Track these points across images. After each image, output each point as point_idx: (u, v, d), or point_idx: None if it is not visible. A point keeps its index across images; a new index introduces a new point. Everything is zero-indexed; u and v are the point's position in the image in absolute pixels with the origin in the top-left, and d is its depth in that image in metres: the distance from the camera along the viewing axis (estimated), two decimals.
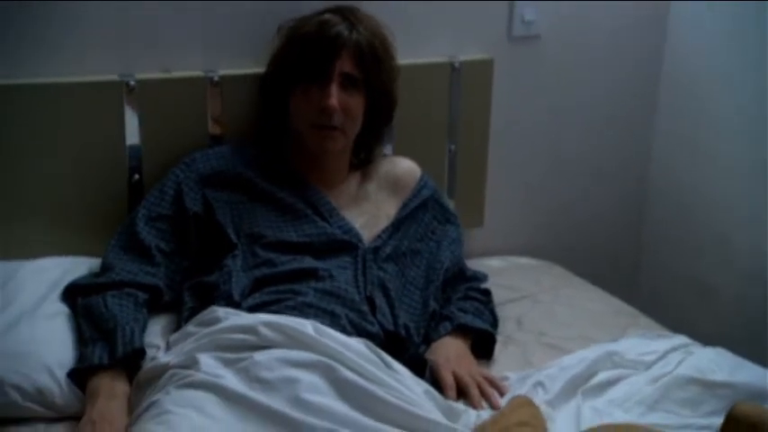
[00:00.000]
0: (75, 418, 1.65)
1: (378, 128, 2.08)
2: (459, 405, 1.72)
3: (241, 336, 1.63)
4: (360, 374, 1.56)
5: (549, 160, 2.59)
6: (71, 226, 2.04)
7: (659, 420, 1.68)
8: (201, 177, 1.96)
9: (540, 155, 2.57)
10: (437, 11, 2.30)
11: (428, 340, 1.94)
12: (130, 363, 1.70)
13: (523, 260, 2.50)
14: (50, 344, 1.74)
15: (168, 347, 1.73)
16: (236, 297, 1.79)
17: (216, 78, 2.08)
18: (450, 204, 2.25)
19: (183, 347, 1.65)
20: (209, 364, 1.57)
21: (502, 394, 1.77)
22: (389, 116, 2.09)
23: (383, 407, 1.52)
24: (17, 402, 1.66)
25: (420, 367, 1.77)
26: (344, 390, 1.54)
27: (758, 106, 2.36)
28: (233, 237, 1.90)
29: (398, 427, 1.49)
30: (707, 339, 1.98)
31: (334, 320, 1.75)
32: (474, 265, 2.22)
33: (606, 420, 1.65)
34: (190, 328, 1.73)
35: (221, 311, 1.72)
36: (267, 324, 1.64)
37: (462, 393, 1.78)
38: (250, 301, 1.78)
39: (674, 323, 2.15)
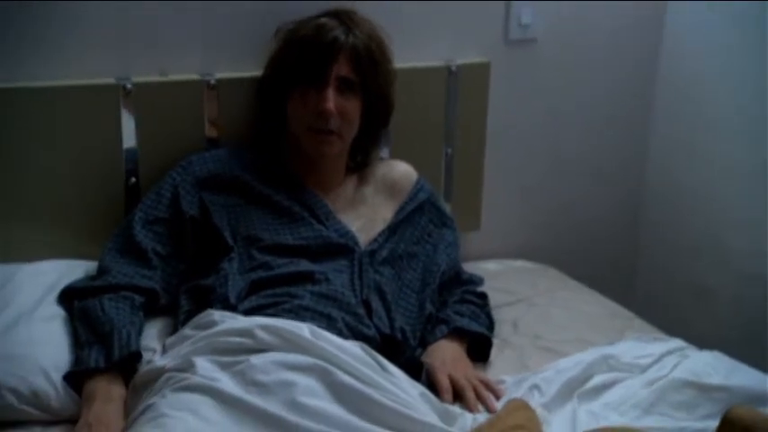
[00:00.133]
0: (72, 421, 1.65)
1: (375, 131, 2.08)
2: (456, 408, 1.72)
3: (237, 339, 1.63)
4: (356, 378, 1.56)
5: (546, 163, 2.59)
6: (68, 229, 2.04)
7: (655, 423, 1.68)
8: (198, 180, 1.97)
9: (537, 158, 2.57)
10: (434, 14, 2.30)
11: (424, 343, 1.94)
12: (127, 366, 1.70)
13: (519, 263, 2.50)
14: (47, 347, 1.74)
15: (164, 351, 1.73)
16: (233, 300, 1.79)
17: (212, 81, 2.08)
18: (447, 208, 2.26)
19: (180, 351, 1.65)
20: (205, 367, 1.56)
21: (498, 397, 1.77)
22: (386, 120, 2.09)
23: (379, 410, 1.52)
24: (13, 405, 1.66)
25: (416, 370, 1.77)
26: (341, 393, 1.54)
27: (756, 107, 2.36)
28: (229, 240, 1.90)
29: (394, 430, 1.49)
30: (704, 342, 1.98)
31: (330, 324, 1.75)
32: (470, 268, 2.22)
33: (602, 423, 1.65)
34: (186, 331, 1.73)
35: (217, 315, 1.72)
36: (263, 327, 1.64)
37: (458, 396, 1.78)
38: (246, 305, 1.78)
39: (671, 325, 2.15)
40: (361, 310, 1.83)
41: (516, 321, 2.12)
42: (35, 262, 1.97)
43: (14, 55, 1.96)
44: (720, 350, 1.92)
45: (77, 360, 1.71)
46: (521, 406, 1.65)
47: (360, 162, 2.12)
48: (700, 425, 1.68)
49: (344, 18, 1.97)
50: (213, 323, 1.70)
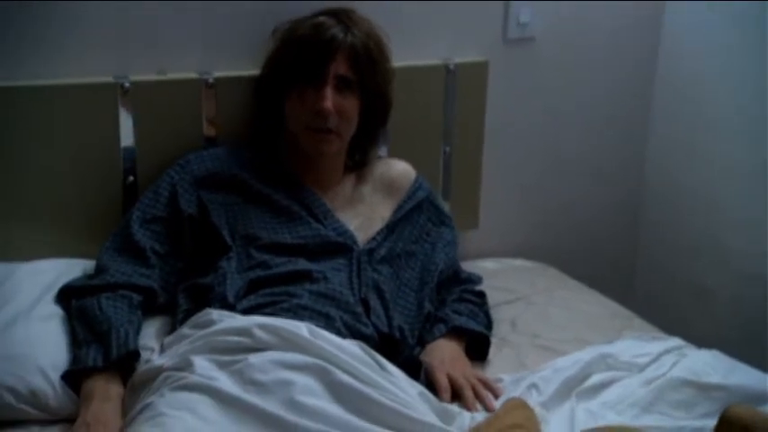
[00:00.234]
0: (69, 420, 1.65)
1: (373, 130, 2.08)
2: (454, 407, 1.72)
3: (236, 338, 1.62)
4: (354, 377, 1.56)
5: (544, 162, 2.59)
6: (66, 227, 2.04)
7: (653, 422, 1.68)
8: (196, 179, 1.96)
9: (535, 157, 2.57)
10: (432, 13, 2.30)
11: (422, 342, 1.94)
12: (125, 365, 1.70)
13: (518, 262, 2.50)
14: (45, 346, 1.74)
15: (162, 350, 1.72)
16: (231, 299, 1.79)
17: (210, 80, 2.08)
18: (445, 206, 2.26)
19: (178, 350, 1.65)
20: (203, 366, 1.56)
21: (496, 396, 1.77)
22: (384, 118, 2.09)
23: (378, 409, 1.52)
24: (11, 404, 1.65)
25: (414, 369, 1.77)
26: (339, 392, 1.54)
27: (756, 107, 2.36)
28: (228, 238, 1.90)
29: (393, 429, 1.49)
30: (703, 341, 1.98)
31: (328, 323, 1.75)
32: (469, 266, 2.22)
33: (600, 422, 1.65)
34: (184, 330, 1.73)
35: (216, 314, 1.72)
36: (262, 326, 1.63)
37: (457, 395, 1.78)
38: (245, 303, 1.78)
39: (670, 325, 2.15)
40: (360, 309, 1.83)
41: (515, 320, 2.12)
42: (33, 261, 1.96)
43: (14, 54, 1.96)
44: (720, 350, 1.92)
45: (75, 359, 1.71)
46: (519, 405, 1.65)
47: (358, 161, 2.12)
48: (698, 424, 1.68)
49: (343, 17, 1.97)
50: (211, 322, 1.70)
